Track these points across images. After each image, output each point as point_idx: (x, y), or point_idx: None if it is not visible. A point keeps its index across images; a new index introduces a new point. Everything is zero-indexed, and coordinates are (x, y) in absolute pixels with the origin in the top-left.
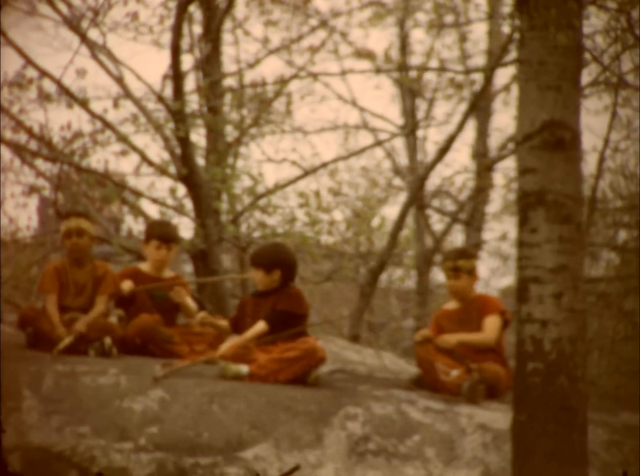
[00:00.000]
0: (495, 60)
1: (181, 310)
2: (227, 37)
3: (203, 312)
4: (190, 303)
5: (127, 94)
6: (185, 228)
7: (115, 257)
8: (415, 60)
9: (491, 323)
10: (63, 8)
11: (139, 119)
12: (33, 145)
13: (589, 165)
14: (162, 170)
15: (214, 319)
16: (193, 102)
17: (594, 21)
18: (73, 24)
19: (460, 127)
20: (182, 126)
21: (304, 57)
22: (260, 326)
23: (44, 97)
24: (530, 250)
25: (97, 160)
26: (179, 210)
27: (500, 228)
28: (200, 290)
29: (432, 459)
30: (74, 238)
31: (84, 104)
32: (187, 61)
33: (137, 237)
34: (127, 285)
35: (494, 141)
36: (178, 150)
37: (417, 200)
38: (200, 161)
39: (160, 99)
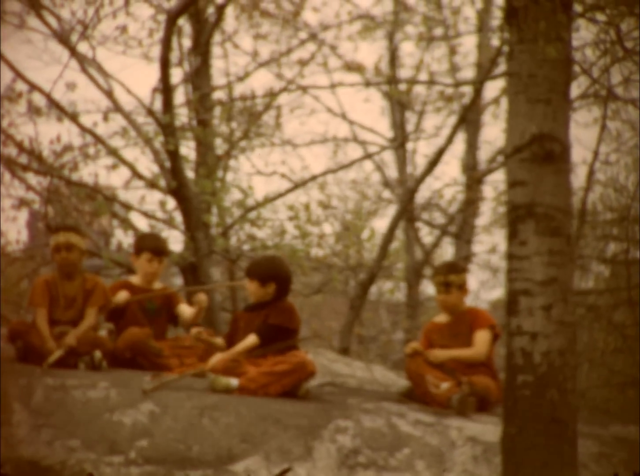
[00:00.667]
0: (484, 73)
1: (189, 319)
2: (216, 50)
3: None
4: (187, 309)
5: (117, 108)
6: (175, 241)
7: (105, 271)
8: (404, 73)
9: (481, 338)
10: (52, 21)
11: (128, 133)
12: (23, 158)
13: (579, 177)
14: (151, 184)
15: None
16: (182, 115)
17: (583, 34)
18: (62, 37)
19: (450, 139)
20: (172, 139)
21: (294, 70)
22: (251, 339)
23: (34, 111)
24: (520, 262)
25: (87, 173)
26: (169, 223)
27: (490, 241)
28: (190, 303)
29: (422, 472)
30: (63, 252)
31: (73, 117)
32: (177, 74)
33: (126, 250)
34: (123, 295)
35: (484, 154)
36: (168, 164)
37: (407, 213)
38: (190, 174)
39: (149, 112)
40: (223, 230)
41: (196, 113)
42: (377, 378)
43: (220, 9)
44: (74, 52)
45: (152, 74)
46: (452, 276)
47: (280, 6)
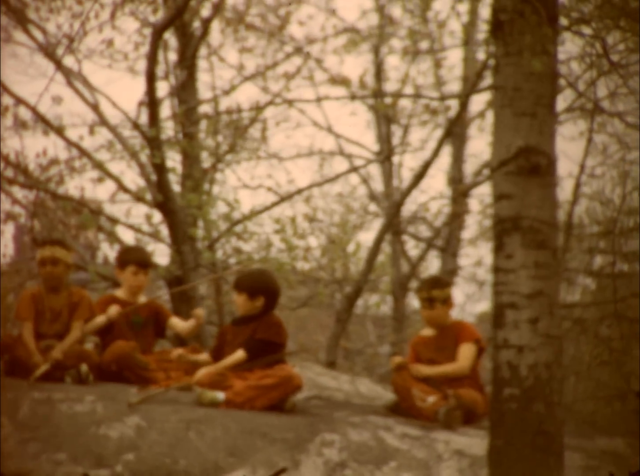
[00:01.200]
0: (470, 86)
1: (183, 332)
2: (202, 63)
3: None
4: (182, 322)
5: (103, 121)
6: (161, 254)
7: (91, 284)
8: (390, 86)
9: (465, 352)
10: (38, 35)
11: (114, 146)
12: (9, 172)
13: (565, 191)
14: (138, 197)
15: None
16: (169, 129)
17: (569, 47)
18: (48, 51)
19: (436, 153)
20: (158, 153)
21: (279, 83)
22: (239, 354)
23: (20, 125)
24: (506, 275)
25: (73, 187)
26: (155, 236)
27: (476, 254)
28: (177, 314)
29: None
30: (48, 267)
31: (59, 131)
32: (163, 88)
33: (113, 263)
34: (114, 309)
35: (470, 167)
36: (154, 177)
37: (393, 226)
38: (176, 187)
39: (135, 125)
40: (209, 244)
41: (182, 126)
42: (362, 392)
43: (206, 23)
44: (59, 65)
45: (138, 88)
46: (435, 291)
47: (266, 20)
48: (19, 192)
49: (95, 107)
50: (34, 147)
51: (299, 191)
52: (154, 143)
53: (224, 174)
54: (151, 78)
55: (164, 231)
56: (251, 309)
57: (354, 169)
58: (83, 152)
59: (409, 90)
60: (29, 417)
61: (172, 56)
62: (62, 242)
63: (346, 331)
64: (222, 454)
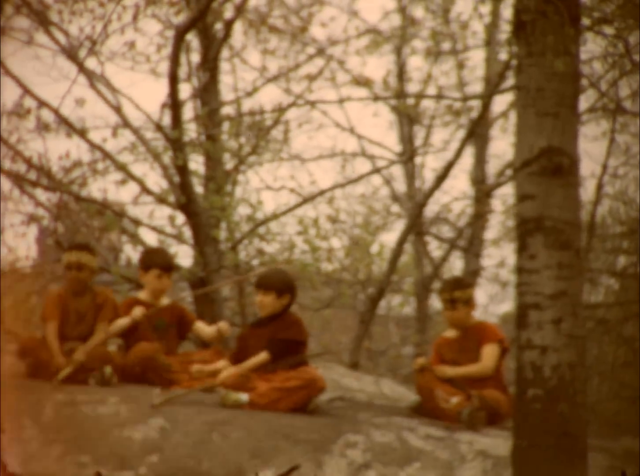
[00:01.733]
0: (492, 87)
1: (207, 339)
2: (224, 65)
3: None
4: (207, 328)
5: (126, 123)
6: (185, 256)
7: (114, 286)
8: (412, 87)
9: (488, 352)
10: (61, 37)
11: (137, 148)
12: (32, 174)
13: (588, 191)
14: (161, 199)
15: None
16: (191, 131)
17: (591, 47)
18: (71, 53)
19: (458, 153)
20: (181, 154)
21: (302, 85)
22: (263, 356)
23: (43, 127)
24: (529, 276)
25: (96, 189)
26: (178, 238)
27: (499, 255)
28: (199, 317)
29: None
30: (73, 271)
31: (82, 133)
32: (185, 90)
33: (136, 265)
34: (138, 311)
35: (492, 167)
36: (177, 179)
37: (416, 227)
38: (199, 189)
39: (158, 127)
40: (232, 245)
41: (205, 128)
42: (385, 393)
43: (228, 25)
44: (82, 67)
45: (160, 90)
46: (457, 292)
47: (288, 21)
48: (42, 195)
49: (118, 109)
50: (57, 149)
51: (322, 192)
52: (177, 145)
53: (246, 176)
54: (174, 80)
55: (187, 233)
56: (278, 308)
57: (376, 170)
58: (106, 154)
59: (431, 91)
60: (53, 419)
61: (195, 58)
62: (89, 246)
63: (369, 332)
64: (246, 455)
